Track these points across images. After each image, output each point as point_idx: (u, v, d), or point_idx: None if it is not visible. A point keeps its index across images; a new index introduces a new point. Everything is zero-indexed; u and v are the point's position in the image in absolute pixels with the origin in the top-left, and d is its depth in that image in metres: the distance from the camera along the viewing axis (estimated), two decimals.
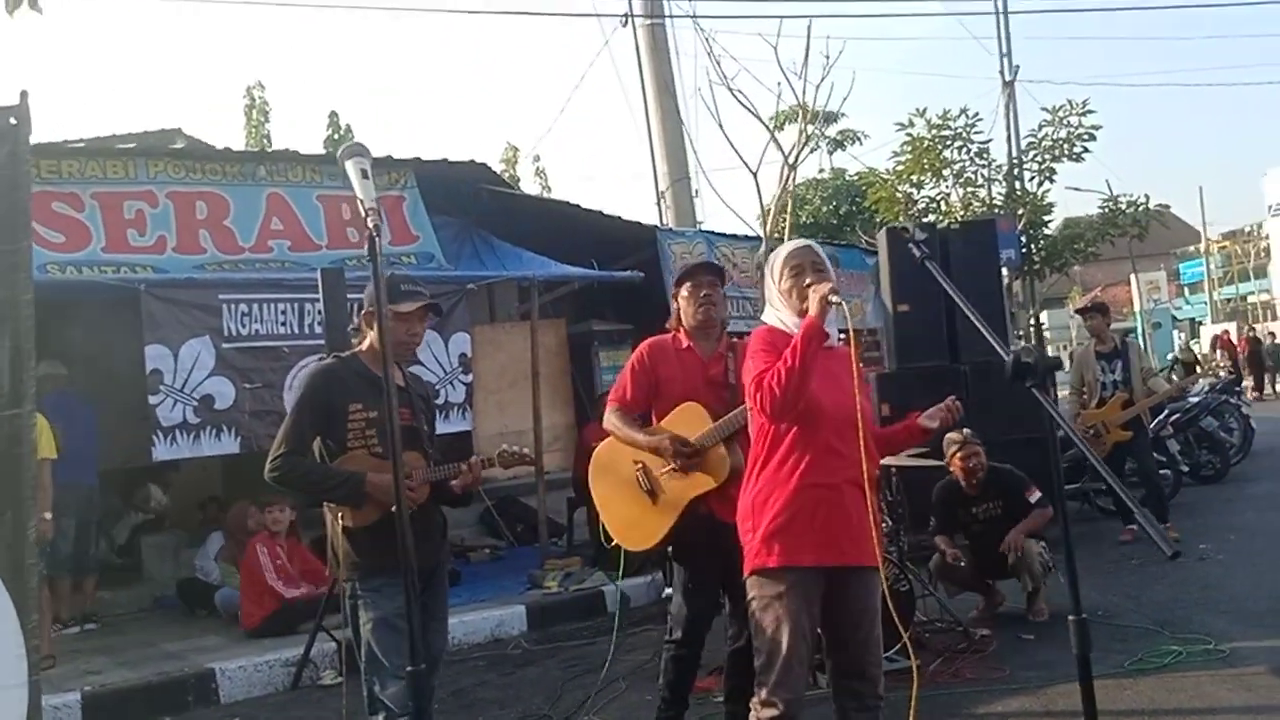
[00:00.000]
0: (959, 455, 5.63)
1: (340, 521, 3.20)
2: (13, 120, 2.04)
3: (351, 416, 3.21)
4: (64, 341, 7.19)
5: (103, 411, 7.18)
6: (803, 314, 2.87)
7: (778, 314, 3.00)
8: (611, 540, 3.99)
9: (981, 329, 2.59)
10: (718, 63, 8.29)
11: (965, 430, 5.59)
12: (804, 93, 8.12)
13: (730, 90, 7.91)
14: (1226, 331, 26.98)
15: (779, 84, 8.09)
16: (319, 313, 6.07)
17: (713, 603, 3.93)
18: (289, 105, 47.06)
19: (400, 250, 7.74)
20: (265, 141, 18.22)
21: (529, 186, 19.14)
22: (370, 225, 2.22)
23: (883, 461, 4.92)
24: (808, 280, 2.91)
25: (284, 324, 6.72)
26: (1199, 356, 23.17)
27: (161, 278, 6.64)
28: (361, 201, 2.30)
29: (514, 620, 6.53)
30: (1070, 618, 2.43)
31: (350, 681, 3.79)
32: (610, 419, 3.89)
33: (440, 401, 7.22)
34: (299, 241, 7.52)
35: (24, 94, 2.00)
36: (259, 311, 6.66)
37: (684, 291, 3.91)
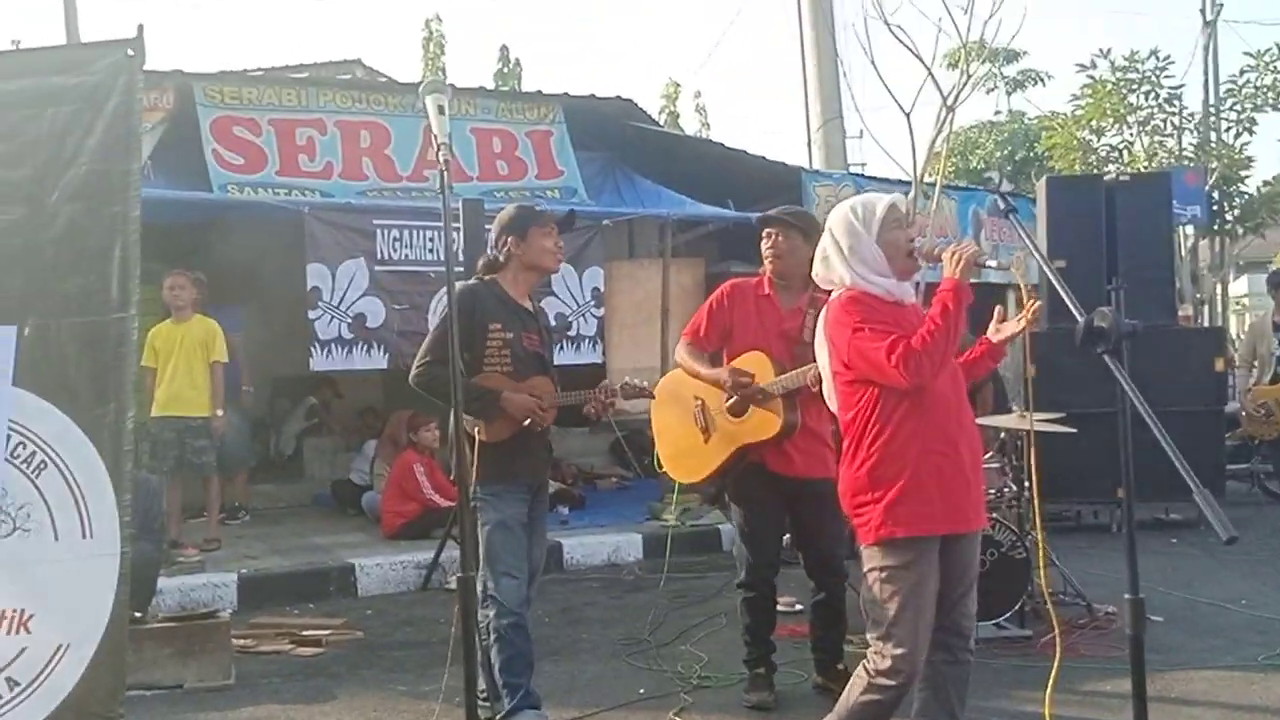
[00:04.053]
0: None
1: (477, 436, 3.40)
2: (130, 52, 2.31)
3: (491, 336, 3.45)
4: (238, 257, 7.83)
5: (271, 324, 7.80)
6: (905, 273, 2.89)
7: (864, 275, 2.84)
8: (662, 466, 4.15)
9: (1060, 290, 2.46)
10: None
11: None
12: (969, 29, 7.69)
13: (888, 25, 7.58)
14: None
15: (939, 20, 7.69)
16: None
17: (774, 549, 3.97)
18: (464, 38, 48.78)
19: (545, 184, 7.95)
20: (441, 74, 18.84)
21: (689, 123, 18.97)
22: (441, 160, 2.36)
23: (1013, 426, 4.79)
24: (912, 237, 2.90)
25: (431, 250, 7.06)
26: None
27: (325, 201, 7.10)
28: (435, 136, 2.44)
29: (630, 547, 6.78)
30: (1126, 596, 2.36)
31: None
32: (680, 350, 4.01)
33: (572, 333, 7.46)
34: (452, 172, 7.82)
35: (140, 28, 2.26)
36: (409, 237, 7.03)
37: (762, 238, 3.94)
